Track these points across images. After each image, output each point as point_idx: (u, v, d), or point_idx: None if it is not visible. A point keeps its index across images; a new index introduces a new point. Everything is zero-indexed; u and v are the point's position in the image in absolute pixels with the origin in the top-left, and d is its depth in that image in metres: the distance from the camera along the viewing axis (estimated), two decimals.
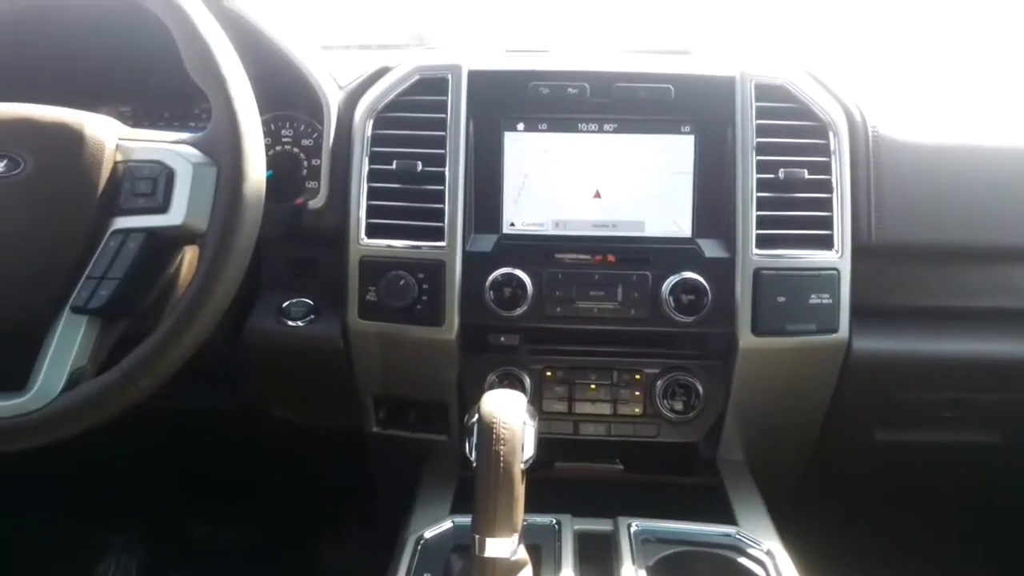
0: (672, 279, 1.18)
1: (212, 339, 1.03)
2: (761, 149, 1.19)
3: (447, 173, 1.20)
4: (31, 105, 1.02)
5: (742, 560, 1.04)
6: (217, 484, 1.87)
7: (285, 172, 1.39)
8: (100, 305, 0.96)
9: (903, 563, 1.61)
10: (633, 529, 1.07)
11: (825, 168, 1.20)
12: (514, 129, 1.22)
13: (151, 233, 0.98)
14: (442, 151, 1.21)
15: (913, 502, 1.57)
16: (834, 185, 1.20)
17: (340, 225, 1.23)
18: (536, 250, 1.20)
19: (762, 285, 1.18)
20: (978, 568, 1.67)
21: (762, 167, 1.19)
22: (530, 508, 0.90)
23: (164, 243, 1.00)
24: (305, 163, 1.40)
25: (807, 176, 1.19)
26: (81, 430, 0.97)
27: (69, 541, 1.86)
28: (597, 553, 1.05)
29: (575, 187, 1.22)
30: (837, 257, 1.20)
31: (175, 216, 0.97)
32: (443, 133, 1.21)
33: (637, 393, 1.25)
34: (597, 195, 1.22)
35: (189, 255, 1.07)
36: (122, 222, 0.98)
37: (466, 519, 0.91)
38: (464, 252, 1.19)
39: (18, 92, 1.04)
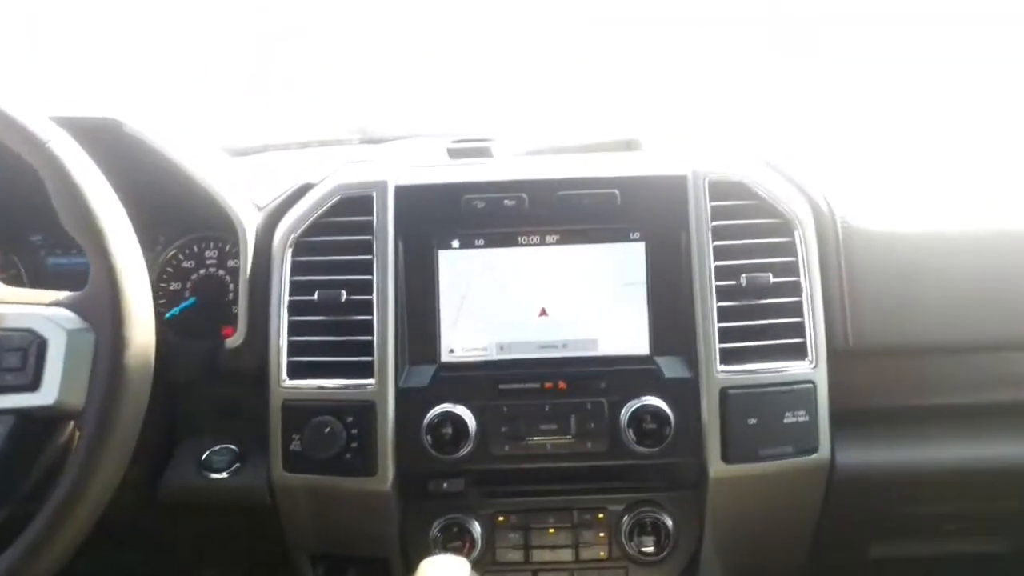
0: (631, 405, 1.08)
1: (121, 503, 0.92)
2: (719, 253, 1.11)
3: (375, 301, 1.10)
4: None
5: None
6: None
7: (211, 297, 1.30)
8: None
9: None
10: None
11: (792, 269, 1.11)
12: (448, 247, 1.13)
13: (21, 414, 0.85)
14: (368, 277, 1.11)
15: None
16: (803, 287, 1.11)
17: (261, 364, 1.12)
18: (478, 381, 1.10)
19: (730, 406, 1.08)
20: None
21: (721, 273, 1.10)
22: None
23: (37, 425, 0.87)
24: (232, 287, 1.30)
25: (772, 280, 1.10)
26: None
27: None
28: None
29: (519, 306, 1.13)
30: (811, 368, 1.10)
31: (47, 395, 0.85)
32: (369, 257, 1.12)
33: (601, 534, 1.14)
34: (543, 313, 1.13)
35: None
36: None
37: None
38: (397, 389, 1.08)
39: None
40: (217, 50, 1.92)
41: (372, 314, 1.10)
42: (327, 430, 1.07)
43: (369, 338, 1.09)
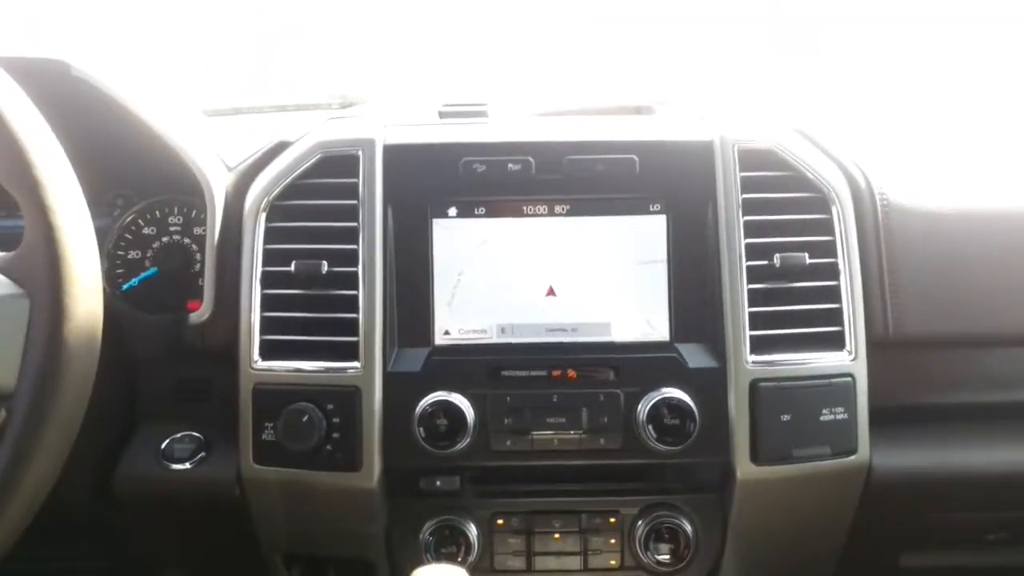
0: (650, 398, 0.98)
1: (69, 494, 0.82)
2: (750, 229, 1.01)
3: (360, 273, 1.00)
4: None
5: None
6: None
7: (174, 268, 1.18)
8: None
9: None
10: None
11: (829, 249, 1.02)
12: (444, 215, 1.03)
13: None
14: (353, 246, 1.01)
15: None
16: (841, 270, 1.02)
17: (230, 343, 1.02)
18: (477, 366, 1.00)
19: (761, 401, 0.98)
20: None
21: (753, 252, 1.01)
22: None
23: None
24: (199, 256, 1.17)
25: (808, 261, 1.00)
26: None
27: None
28: None
29: (523, 284, 1.03)
30: (850, 359, 1.01)
31: None
32: (354, 224, 1.01)
33: (612, 540, 1.05)
34: (551, 292, 1.03)
35: None
36: None
37: None
38: (385, 374, 0.98)
39: None
40: (193, 9, 1.78)
41: (357, 288, 1.00)
42: (304, 419, 0.97)
43: (353, 316, 0.99)
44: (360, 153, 1.03)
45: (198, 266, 1.15)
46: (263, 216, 1.03)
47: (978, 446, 1.09)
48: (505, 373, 0.99)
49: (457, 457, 0.98)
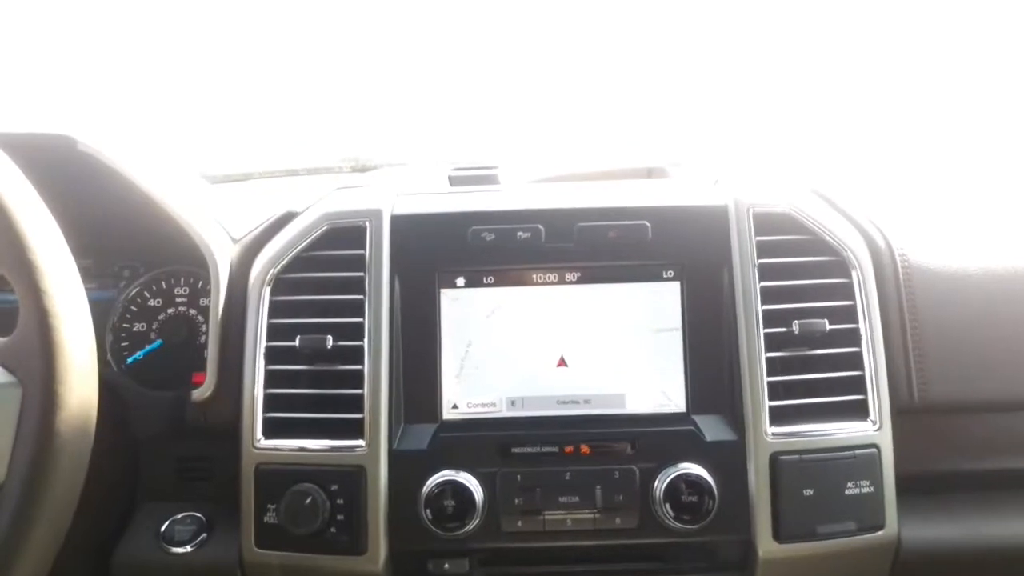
0: (667, 474, 0.94)
1: None
2: (767, 295, 0.99)
3: (366, 347, 0.98)
4: None
5: None
6: None
7: (180, 340, 1.17)
8: None
9: None
10: None
11: (850, 315, 1.00)
12: (452, 285, 1.01)
13: None
14: (359, 320, 0.99)
15: None
16: (863, 335, 0.99)
17: (233, 420, 1.00)
18: (486, 443, 0.96)
19: (782, 475, 0.95)
20: None
21: (770, 319, 0.98)
22: None
23: None
24: (204, 329, 1.17)
25: (829, 327, 0.98)
26: None
27: None
28: None
29: (534, 355, 1.00)
30: (875, 429, 0.98)
31: None
32: (360, 297, 0.99)
33: None
34: (562, 363, 1.00)
35: None
36: None
37: None
38: (391, 452, 0.96)
39: None
40: (201, 72, 1.79)
41: (363, 363, 0.97)
42: (308, 500, 0.93)
43: (359, 391, 0.97)
44: (367, 224, 1.01)
45: (204, 338, 1.14)
46: (267, 290, 1.01)
47: (1012, 516, 1.04)
48: (515, 450, 0.96)
49: (466, 539, 0.94)
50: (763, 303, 0.98)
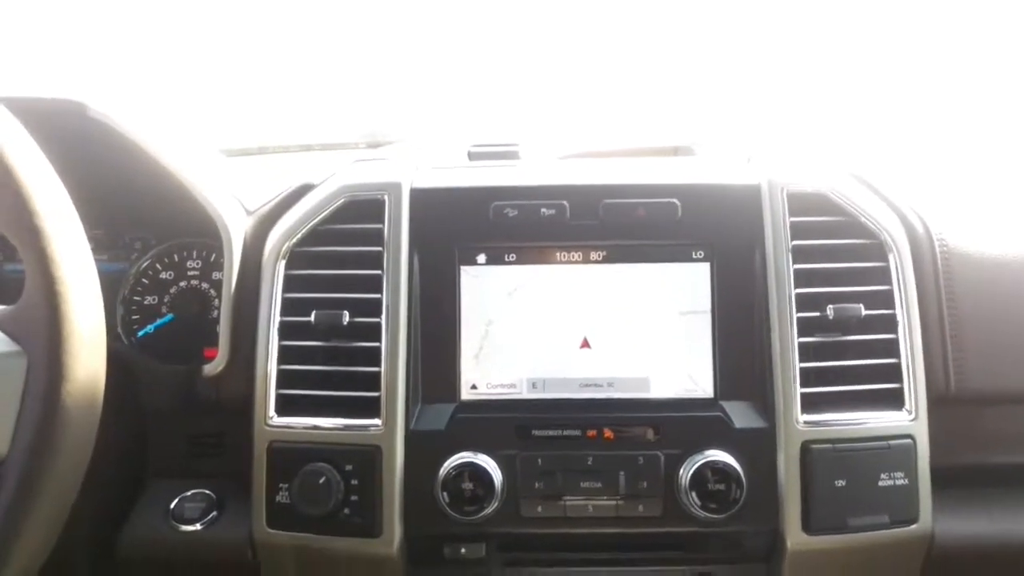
0: (693, 461, 0.91)
1: (70, 556, 0.82)
2: (801, 278, 0.96)
3: (384, 324, 0.95)
4: None
5: None
6: None
7: (191, 314, 1.15)
8: None
9: None
10: None
11: (887, 300, 0.96)
12: (473, 263, 0.97)
13: None
14: (377, 296, 0.96)
15: None
16: (900, 322, 0.96)
17: (245, 396, 0.97)
18: (506, 425, 0.93)
19: (813, 465, 0.92)
20: None
21: (804, 303, 0.95)
22: None
23: None
24: (217, 303, 1.14)
25: (864, 312, 0.94)
26: None
27: None
28: None
29: (556, 335, 0.97)
30: (910, 419, 0.94)
31: None
32: (378, 272, 0.96)
33: None
34: (585, 345, 0.97)
35: None
36: None
37: None
38: (408, 432, 0.93)
39: None
40: (218, 44, 1.75)
41: (380, 340, 0.95)
42: (321, 480, 0.91)
43: (376, 369, 0.94)
44: (386, 197, 0.98)
45: (216, 312, 1.12)
46: (283, 263, 0.98)
47: None
48: (536, 432, 0.93)
49: (483, 523, 0.91)
50: (796, 286, 0.95)
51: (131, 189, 1.06)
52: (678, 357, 0.96)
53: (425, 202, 0.98)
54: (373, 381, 0.93)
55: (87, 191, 0.81)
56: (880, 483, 0.92)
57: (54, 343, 0.67)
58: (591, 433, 0.93)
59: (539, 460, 0.92)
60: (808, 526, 0.91)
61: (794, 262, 0.95)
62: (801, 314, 0.94)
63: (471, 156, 1.14)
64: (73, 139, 0.91)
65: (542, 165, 1.11)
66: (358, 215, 0.99)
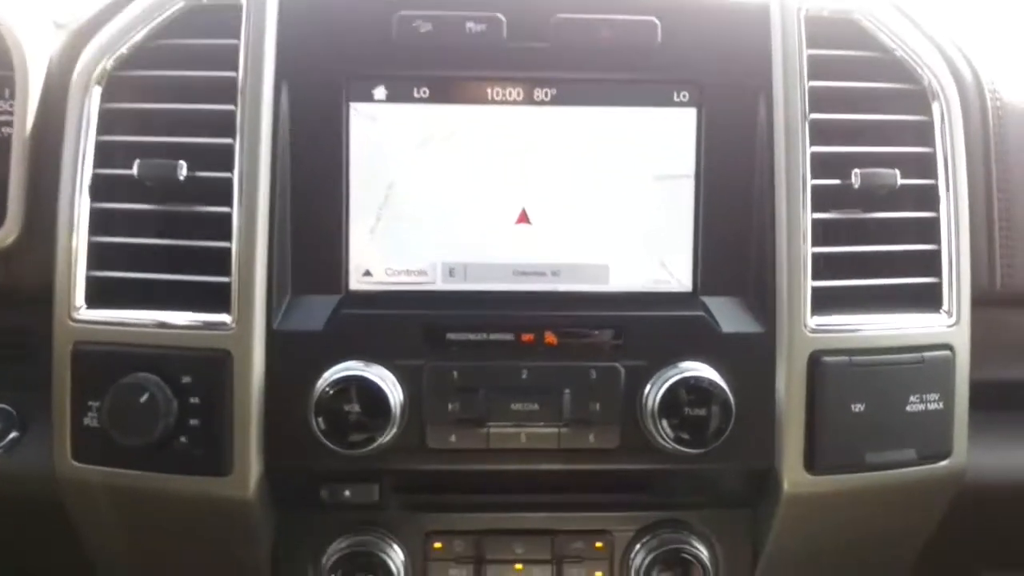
0: (663, 376, 0.76)
1: None
2: (818, 133, 0.80)
3: (237, 181, 0.77)
4: None
5: None
6: None
7: None
8: None
9: None
10: None
11: (928, 166, 0.81)
12: (368, 99, 0.79)
13: None
14: (228, 140, 0.78)
15: None
16: (942, 196, 0.81)
17: (45, 279, 0.80)
18: (410, 325, 0.78)
19: (824, 383, 0.77)
20: None
21: (821, 166, 0.80)
22: None
23: None
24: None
25: (900, 181, 0.79)
26: None
27: None
28: None
29: (483, 205, 0.80)
30: (949, 324, 0.80)
31: None
32: (230, 107, 0.78)
33: (598, 573, 0.85)
34: (523, 218, 0.80)
35: None
36: None
37: None
38: (270, 333, 0.77)
39: None
40: None
41: (231, 204, 0.77)
42: (144, 397, 0.74)
43: (225, 244, 0.77)
44: (244, 2, 0.79)
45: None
46: (96, 91, 0.79)
47: None
48: (452, 336, 0.78)
49: (375, 458, 0.76)
50: (812, 143, 0.79)
51: None
52: (648, 237, 0.80)
53: (301, 11, 0.79)
54: (221, 262, 0.77)
55: None
56: (909, 407, 0.78)
57: None
58: (527, 337, 0.78)
59: (454, 373, 0.77)
60: (812, 464, 0.77)
61: (811, 110, 0.79)
62: (817, 181, 0.79)
63: None
64: None
65: None
66: (204, 27, 0.80)
